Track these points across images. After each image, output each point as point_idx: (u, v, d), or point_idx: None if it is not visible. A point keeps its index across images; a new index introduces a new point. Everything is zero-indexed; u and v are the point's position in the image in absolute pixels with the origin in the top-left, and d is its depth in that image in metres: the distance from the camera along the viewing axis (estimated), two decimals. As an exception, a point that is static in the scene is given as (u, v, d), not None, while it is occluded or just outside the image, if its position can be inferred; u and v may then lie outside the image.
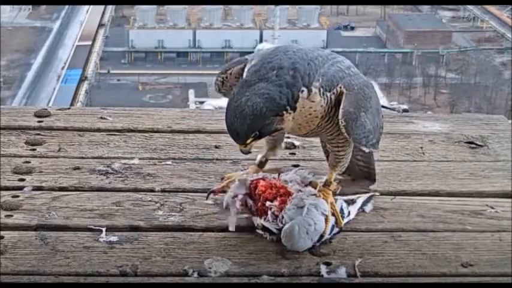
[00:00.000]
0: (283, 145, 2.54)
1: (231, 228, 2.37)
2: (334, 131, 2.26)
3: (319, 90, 2.16)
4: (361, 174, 2.67)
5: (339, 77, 2.21)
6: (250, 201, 2.37)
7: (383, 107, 2.95)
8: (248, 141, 2.16)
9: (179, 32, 56.35)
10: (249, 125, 2.10)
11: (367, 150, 2.35)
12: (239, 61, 2.35)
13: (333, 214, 2.38)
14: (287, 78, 2.13)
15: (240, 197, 2.39)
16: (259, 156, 2.51)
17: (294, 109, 2.13)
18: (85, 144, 2.97)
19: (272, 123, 2.13)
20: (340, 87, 2.20)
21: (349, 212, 2.47)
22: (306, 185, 2.44)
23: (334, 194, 2.45)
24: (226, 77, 2.37)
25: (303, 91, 2.14)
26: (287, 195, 2.34)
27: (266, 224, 2.32)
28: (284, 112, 2.12)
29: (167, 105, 42.55)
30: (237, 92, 2.13)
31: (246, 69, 2.24)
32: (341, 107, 2.19)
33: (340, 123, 2.19)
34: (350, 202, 2.50)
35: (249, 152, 2.23)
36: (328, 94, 2.18)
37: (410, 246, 2.35)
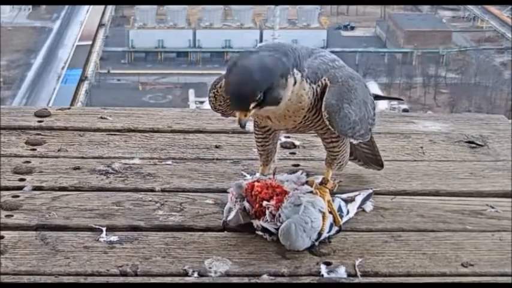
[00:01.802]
0: (276, 159, 2.55)
1: (229, 218, 2.37)
2: (323, 125, 2.26)
3: (306, 80, 2.18)
4: (369, 160, 2.75)
5: (323, 70, 2.22)
6: (247, 205, 2.36)
7: (382, 98, 2.99)
8: (251, 106, 2.06)
9: (179, 32, 56.37)
10: (256, 81, 2.04)
11: (355, 141, 2.40)
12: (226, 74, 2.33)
13: (331, 212, 2.38)
14: (285, 58, 2.14)
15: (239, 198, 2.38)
16: (257, 175, 2.50)
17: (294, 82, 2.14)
18: (85, 144, 2.97)
19: (277, 87, 2.08)
20: (325, 80, 2.22)
21: (348, 211, 2.47)
22: (303, 184, 2.44)
23: (332, 192, 2.45)
24: (217, 91, 2.36)
25: (297, 73, 2.16)
26: (283, 194, 2.33)
27: (265, 225, 2.32)
28: (289, 76, 2.11)
29: (167, 105, 42.55)
30: (239, 57, 2.12)
31: None
32: (324, 99, 2.20)
33: (323, 115, 2.21)
34: (348, 200, 2.50)
35: (244, 127, 2.10)
36: (314, 86, 2.20)
37: (410, 246, 2.35)
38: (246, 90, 2.04)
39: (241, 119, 2.08)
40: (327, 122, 2.22)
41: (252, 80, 2.04)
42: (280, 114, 2.21)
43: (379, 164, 2.75)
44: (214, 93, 2.38)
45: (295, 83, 2.15)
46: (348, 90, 2.24)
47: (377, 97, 2.68)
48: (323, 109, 2.20)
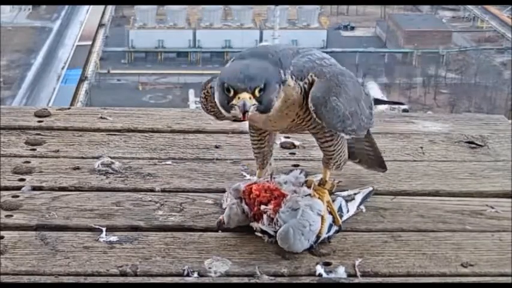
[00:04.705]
0: (272, 162, 2.55)
1: (225, 218, 2.37)
2: (315, 124, 2.25)
3: (292, 77, 2.18)
4: (372, 162, 2.74)
5: (309, 67, 2.22)
6: (246, 207, 2.36)
7: (382, 102, 2.99)
8: (256, 90, 2.06)
9: (179, 32, 56.34)
10: (260, 72, 2.07)
11: (346, 136, 2.35)
12: (216, 75, 2.30)
13: (330, 213, 2.38)
14: (275, 59, 2.16)
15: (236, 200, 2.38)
16: (254, 178, 2.50)
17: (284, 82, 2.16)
18: (85, 144, 2.97)
19: (274, 89, 2.11)
20: (311, 76, 2.21)
21: (348, 210, 2.47)
22: (301, 184, 2.43)
23: (331, 192, 2.45)
24: (207, 91, 2.36)
25: (285, 74, 2.16)
26: (281, 197, 2.33)
27: (263, 228, 2.32)
28: (282, 85, 2.14)
29: (167, 105, 42.55)
30: (239, 57, 2.16)
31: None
32: (310, 92, 2.19)
33: (310, 108, 2.20)
34: (348, 199, 2.49)
35: (247, 112, 2.05)
36: (301, 83, 2.20)
37: (410, 246, 2.35)
38: (253, 71, 2.07)
39: (245, 101, 2.04)
40: (314, 115, 2.20)
41: (257, 66, 2.10)
42: (275, 114, 2.20)
43: (382, 166, 2.75)
44: (205, 93, 2.38)
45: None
46: (337, 85, 2.23)
47: (377, 101, 2.69)
48: (309, 102, 2.19)
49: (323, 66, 2.26)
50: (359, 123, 2.33)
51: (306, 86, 2.20)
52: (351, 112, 2.27)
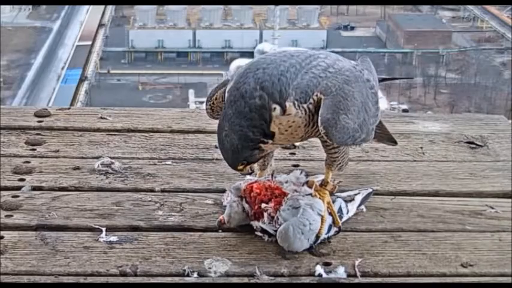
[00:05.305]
0: (273, 162, 2.55)
1: (225, 217, 2.38)
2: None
3: (294, 104, 2.16)
4: (381, 137, 2.77)
5: (313, 85, 2.19)
6: (246, 206, 2.36)
7: (390, 79, 2.99)
8: (240, 167, 2.24)
9: (179, 32, 56.34)
10: (232, 157, 2.22)
11: (357, 147, 2.43)
12: (221, 84, 2.39)
13: (330, 214, 2.38)
14: (256, 102, 2.13)
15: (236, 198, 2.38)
16: (255, 178, 2.50)
17: (272, 136, 2.17)
18: (85, 144, 2.97)
19: (253, 155, 2.21)
20: (317, 95, 2.19)
21: (347, 211, 2.47)
22: (302, 184, 2.43)
23: (332, 193, 2.45)
24: (213, 103, 2.43)
25: (275, 109, 2.14)
26: (282, 195, 2.34)
27: (263, 226, 2.32)
28: (261, 145, 2.18)
29: (167, 105, 42.54)
30: (219, 125, 2.21)
31: (225, 94, 2.26)
32: (319, 114, 2.18)
33: (320, 130, 2.19)
34: (348, 200, 2.49)
35: (251, 172, 2.33)
36: (305, 105, 2.18)
37: (410, 246, 2.35)
38: (229, 160, 2.24)
39: (241, 171, 2.28)
40: (325, 137, 2.22)
41: (229, 156, 2.22)
42: (281, 141, 2.23)
43: (392, 140, 2.79)
44: (210, 105, 2.44)
45: (272, 137, 2.18)
46: (344, 98, 2.21)
47: (385, 79, 2.75)
48: (319, 124, 2.18)
49: (328, 78, 2.22)
50: (367, 128, 2.34)
51: (310, 106, 2.18)
52: (359, 124, 2.27)
